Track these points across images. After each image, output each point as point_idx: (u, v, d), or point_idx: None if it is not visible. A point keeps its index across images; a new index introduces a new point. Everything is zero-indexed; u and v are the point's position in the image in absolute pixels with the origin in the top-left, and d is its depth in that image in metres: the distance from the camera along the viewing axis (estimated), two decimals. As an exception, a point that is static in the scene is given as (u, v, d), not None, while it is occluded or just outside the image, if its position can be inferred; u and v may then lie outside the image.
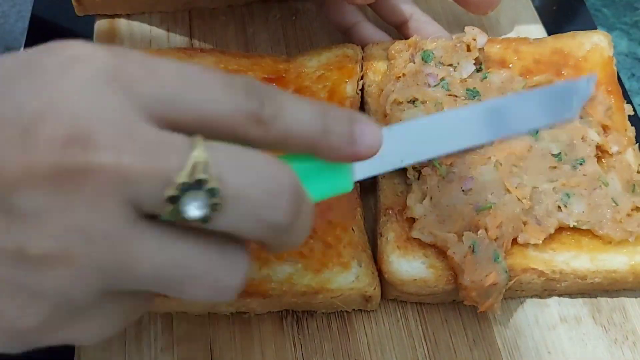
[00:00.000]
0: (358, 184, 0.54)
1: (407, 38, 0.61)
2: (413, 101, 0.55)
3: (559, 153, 0.53)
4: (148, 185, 0.28)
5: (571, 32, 0.61)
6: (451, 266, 0.49)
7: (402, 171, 0.53)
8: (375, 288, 0.49)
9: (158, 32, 0.67)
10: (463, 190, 0.51)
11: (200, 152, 0.29)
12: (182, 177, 0.28)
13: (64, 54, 0.30)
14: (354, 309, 0.51)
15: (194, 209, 0.29)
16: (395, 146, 0.40)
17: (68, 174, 0.27)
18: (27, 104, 0.28)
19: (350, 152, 0.35)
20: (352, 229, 0.51)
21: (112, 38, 0.66)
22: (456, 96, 0.55)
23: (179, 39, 0.67)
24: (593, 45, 0.60)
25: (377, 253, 0.51)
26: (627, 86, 0.59)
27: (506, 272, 0.48)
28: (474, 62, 0.57)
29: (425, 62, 0.57)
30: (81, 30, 0.67)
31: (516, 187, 0.51)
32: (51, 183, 0.27)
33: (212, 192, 0.29)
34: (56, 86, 0.28)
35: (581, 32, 0.61)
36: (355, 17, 0.63)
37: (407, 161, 0.42)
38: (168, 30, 0.67)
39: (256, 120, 0.31)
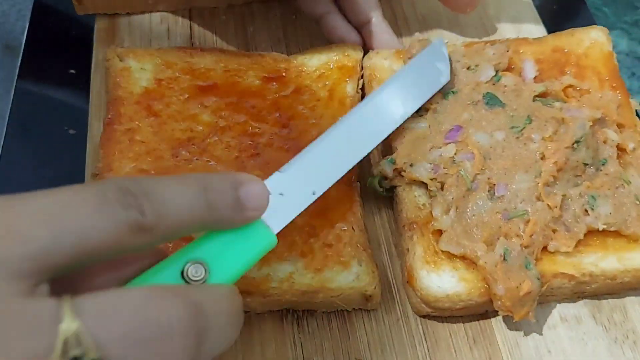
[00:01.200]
0: (357, 183, 0.54)
1: (365, 42, 0.62)
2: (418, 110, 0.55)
3: (585, 159, 0.52)
4: None
5: (569, 29, 0.61)
6: (483, 277, 0.48)
7: (422, 183, 0.52)
8: (375, 287, 0.49)
9: (158, 31, 0.67)
10: (491, 198, 0.50)
11: (68, 322, 0.27)
12: (52, 355, 0.26)
13: None
14: (354, 308, 0.51)
15: None
16: (298, 184, 0.41)
17: None
18: None
19: (241, 218, 0.35)
20: (353, 228, 0.51)
21: (112, 37, 0.66)
22: (468, 103, 0.55)
23: (179, 38, 0.67)
24: (592, 41, 0.60)
25: (403, 269, 0.51)
26: (627, 85, 0.58)
27: (539, 279, 0.48)
28: (493, 67, 0.57)
29: None
30: (81, 29, 0.67)
31: (548, 195, 0.50)
32: None
33: None
34: None
35: (579, 29, 0.61)
36: (326, 8, 0.63)
37: (318, 192, 0.43)
38: (168, 29, 0.67)
39: (139, 228, 0.30)
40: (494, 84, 0.56)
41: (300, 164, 0.43)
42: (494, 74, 0.56)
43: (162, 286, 0.32)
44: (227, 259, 0.36)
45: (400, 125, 0.53)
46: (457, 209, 0.50)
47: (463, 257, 0.49)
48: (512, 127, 0.53)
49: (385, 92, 0.51)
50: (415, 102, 0.52)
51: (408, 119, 0.53)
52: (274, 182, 0.41)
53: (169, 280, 0.34)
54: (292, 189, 0.41)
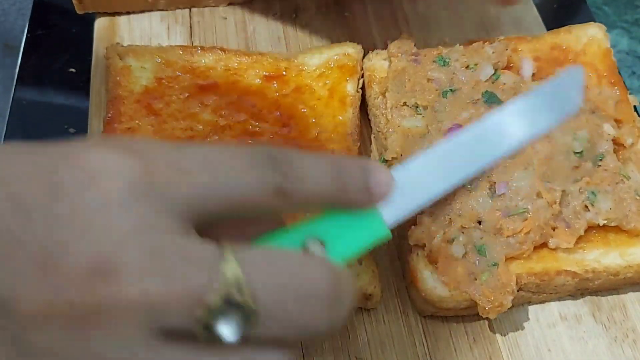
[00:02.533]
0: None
1: None
2: (416, 107, 0.55)
3: (582, 150, 0.53)
4: (177, 310, 0.27)
5: (567, 26, 0.61)
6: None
7: None
8: (375, 286, 0.49)
9: (158, 30, 0.67)
10: (491, 197, 0.51)
11: (231, 268, 0.28)
12: (215, 300, 0.27)
13: (85, 169, 0.28)
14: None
15: (228, 331, 0.28)
16: (420, 182, 0.41)
17: (90, 312, 0.26)
18: (45, 230, 0.26)
19: (367, 202, 0.36)
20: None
21: (112, 36, 0.66)
22: (467, 102, 0.55)
23: (179, 37, 0.67)
24: (590, 38, 0.60)
25: (406, 270, 0.51)
26: (627, 84, 0.59)
27: (495, 264, 0.48)
28: (492, 65, 0.57)
29: (441, 65, 0.57)
30: (81, 28, 0.67)
31: (548, 191, 0.51)
32: (71, 321, 0.26)
33: (246, 312, 0.28)
34: (79, 210, 0.27)
35: (577, 26, 0.61)
36: None
37: (434, 197, 0.41)
38: (168, 28, 0.67)
39: (282, 192, 0.32)
40: (492, 83, 0.56)
41: (428, 160, 0.42)
42: (492, 72, 0.56)
43: (311, 252, 0.33)
44: (342, 242, 0.36)
45: (394, 124, 0.53)
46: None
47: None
48: None
49: (521, 105, 0.47)
50: (544, 125, 0.48)
51: (404, 117, 0.53)
52: (398, 174, 0.40)
53: (292, 248, 0.34)
54: (415, 185, 0.40)
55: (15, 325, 0.26)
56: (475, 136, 0.44)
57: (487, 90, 0.55)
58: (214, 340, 0.28)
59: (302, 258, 0.31)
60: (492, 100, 0.55)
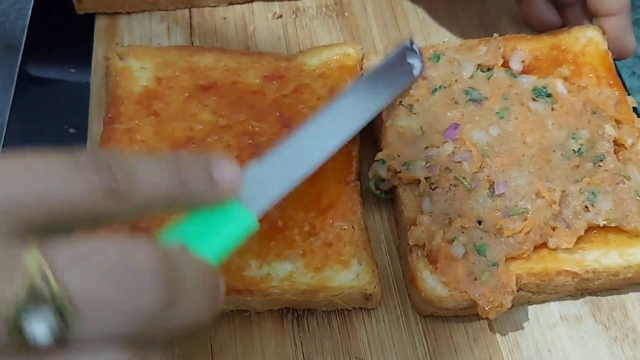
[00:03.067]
0: (358, 182, 0.54)
1: (567, 23, 0.61)
2: (410, 106, 0.55)
3: (580, 149, 0.53)
4: None
5: (566, 27, 0.61)
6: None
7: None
8: (375, 286, 0.49)
9: (158, 30, 0.67)
10: (491, 196, 0.51)
11: (33, 258, 0.26)
12: (17, 292, 0.25)
13: None
14: (354, 307, 0.51)
15: (40, 330, 0.25)
16: (278, 171, 0.43)
17: None
18: None
19: (213, 194, 0.35)
20: (353, 227, 0.51)
21: (112, 36, 0.66)
22: (457, 102, 0.55)
23: (179, 37, 0.67)
24: (588, 40, 0.60)
25: (406, 270, 0.51)
26: (627, 84, 0.59)
27: (495, 264, 0.48)
28: (475, 63, 0.57)
29: (435, 62, 0.57)
30: (81, 28, 0.67)
31: (547, 191, 0.51)
32: None
33: (58, 306, 0.25)
34: None
35: (575, 27, 0.61)
36: None
37: (297, 179, 0.44)
38: (168, 28, 0.67)
39: (111, 193, 0.30)
40: (488, 79, 0.56)
41: (280, 154, 0.44)
42: (474, 69, 0.57)
43: (136, 236, 0.32)
44: (207, 241, 0.36)
45: (388, 123, 0.54)
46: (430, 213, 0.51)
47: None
48: (501, 117, 0.54)
49: (360, 86, 0.53)
50: (390, 93, 0.55)
51: (398, 116, 0.54)
52: (253, 169, 0.42)
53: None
54: (272, 176, 0.43)
55: None
56: (319, 126, 0.48)
57: (469, 88, 0.56)
58: (26, 345, 0.25)
59: (120, 241, 0.28)
60: (474, 97, 0.55)
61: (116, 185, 0.30)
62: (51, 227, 0.29)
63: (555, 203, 0.50)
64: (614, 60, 0.60)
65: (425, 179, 0.52)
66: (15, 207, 0.28)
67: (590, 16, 0.61)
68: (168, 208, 0.35)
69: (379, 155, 0.54)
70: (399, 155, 0.53)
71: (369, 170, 0.55)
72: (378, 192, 0.55)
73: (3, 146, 0.59)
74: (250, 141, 0.55)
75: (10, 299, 0.25)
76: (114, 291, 0.27)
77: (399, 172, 0.53)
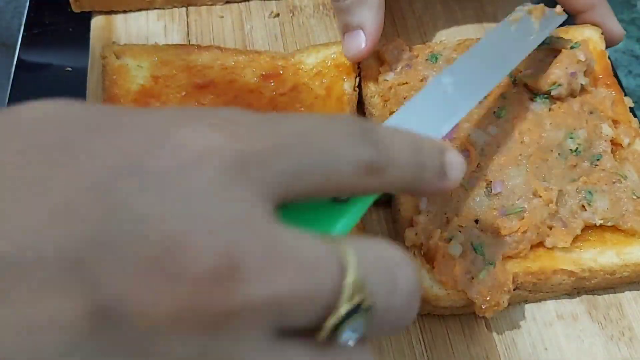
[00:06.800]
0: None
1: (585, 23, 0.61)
2: None
3: (577, 149, 0.53)
4: (303, 312, 0.25)
5: (563, 27, 0.61)
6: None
7: None
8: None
9: (155, 28, 0.67)
10: (488, 195, 0.51)
11: (354, 270, 0.26)
12: (344, 305, 0.26)
13: (180, 153, 0.24)
14: (351, 306, 0.51)
15: (350, 333, 0.26)
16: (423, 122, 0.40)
17: (219, 316, 0.24)
18: (153, 227, 0.23)
19: (439, 187, 0.34)
20: (350, 226, 0.51)
21: (108, 34, 0.66)
22: None
23: (176, 36, 0.66)
24: (586, 39, 0.60)
25: None
26: (624, 83, 0.59)
27: (491, 263, 0.48)
28: None
29: (432, 62, 0.57)
30: (78, 27, 0.67)
31: (544, 191, 0.51)
32: (199, 328, 0.23)
33: (367, 313, 0.26)
34: (183, 201, 0.24)
35: (572, 27, 0.61)
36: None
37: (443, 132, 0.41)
38: (165, 26, 0.67)
39: (372, 169, 0.29)
40: None
41: (414, 108, 0.42)
42: None
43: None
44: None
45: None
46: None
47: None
48: (499, 117, 0.54)
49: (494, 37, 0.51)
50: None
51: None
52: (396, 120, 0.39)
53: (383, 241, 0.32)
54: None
55: (131, 337, 0.23)
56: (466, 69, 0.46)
57: None
58: (332, 338, 0.26)
59: (399, 252, 0.29)
60: None
61: (378, 162, 0.29)
62: (302, 197, 0.28)
63: (552, 202, 0.50)
64: (606, 48, 0.60)
65: None
66: (290, 176, 0.26)
67: (574, 16, 0.61)
68: (396, 191, 0.33)
69: None
70: None
71: None
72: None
73: None
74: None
75: (336, 307, 0.26)
76: (402, 306, 0.28)
77: None
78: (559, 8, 0.58)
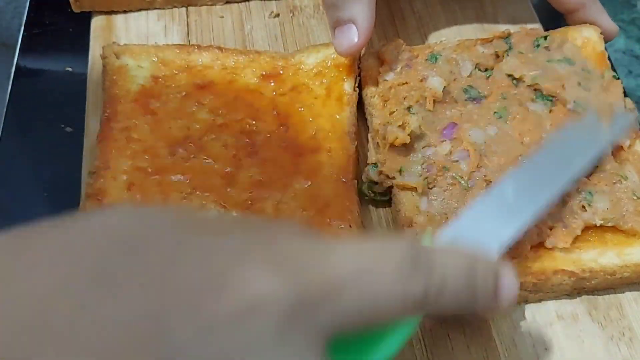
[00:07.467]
0: (355, 181, 0.54)
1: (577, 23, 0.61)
2: (409, 108, 0.55)
3: None
4: None
5: (562, 27, 0.61)
6: None
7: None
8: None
9: (155, 28, 0.67)
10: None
11: None
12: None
13: (239, 300, 0.25)
14: (351, 306, 0.51)
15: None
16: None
17: None
18: None
19: (488, 309, 0.34)
20: (350, 226, 0.51)
21: (108, 34, 0.66)
22: (455, 101, 0.55)
23: (176, 36, 0.66)
24: (585, 40, 0.60)
25: None
26: (624, 84, 0.59)
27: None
28: (473, 62, 0.57)
29: (432, 63, 0.57)
30: (78, 27, 0.67)
31: None
32: None
33: None
34: (238, 352, 0.24)
35: (572, 27, 0.61)
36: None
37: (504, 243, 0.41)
38: (165, 27, 0.67)
39: (420, 305, 0.29)
40: (487, 78, 0.57)
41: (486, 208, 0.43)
42: (472, 68, 0.57)
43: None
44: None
45: (381, 123, 0.54)
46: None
47: None
48: (499, 117, 0.54)
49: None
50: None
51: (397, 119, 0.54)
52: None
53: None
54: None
55: None
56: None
57: (468, 86, 0.56)
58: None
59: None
60: (473, 95, 0.55)
61: (428, 295, 0.29)
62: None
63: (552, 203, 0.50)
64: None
65: (423, 179, 0.52)
66: (342, 319, 0.27)
67: (566, 15, 0.62)
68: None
69: (371, 159, 0.54)
70: (396, 158, 0.53)
71: (362, 173, 0.55)
72: (372, 194, 0.55)
73: (-1, 145, 0.59)
74: (247, 140, 0.55)
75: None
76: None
77: (393, 177, 0.53)
78: (629, 102, 0.56)
